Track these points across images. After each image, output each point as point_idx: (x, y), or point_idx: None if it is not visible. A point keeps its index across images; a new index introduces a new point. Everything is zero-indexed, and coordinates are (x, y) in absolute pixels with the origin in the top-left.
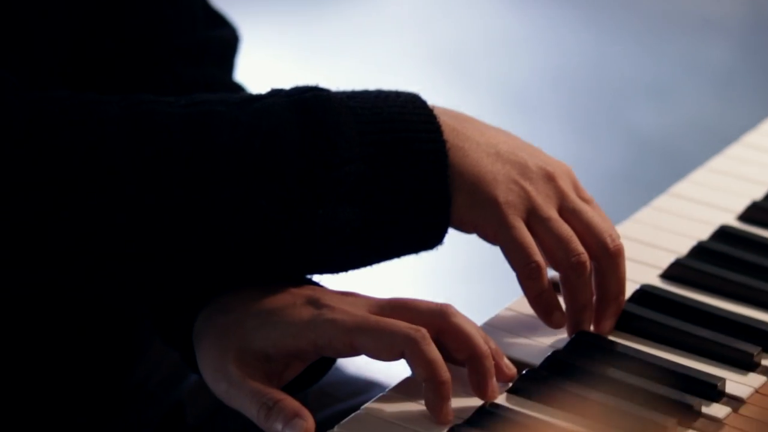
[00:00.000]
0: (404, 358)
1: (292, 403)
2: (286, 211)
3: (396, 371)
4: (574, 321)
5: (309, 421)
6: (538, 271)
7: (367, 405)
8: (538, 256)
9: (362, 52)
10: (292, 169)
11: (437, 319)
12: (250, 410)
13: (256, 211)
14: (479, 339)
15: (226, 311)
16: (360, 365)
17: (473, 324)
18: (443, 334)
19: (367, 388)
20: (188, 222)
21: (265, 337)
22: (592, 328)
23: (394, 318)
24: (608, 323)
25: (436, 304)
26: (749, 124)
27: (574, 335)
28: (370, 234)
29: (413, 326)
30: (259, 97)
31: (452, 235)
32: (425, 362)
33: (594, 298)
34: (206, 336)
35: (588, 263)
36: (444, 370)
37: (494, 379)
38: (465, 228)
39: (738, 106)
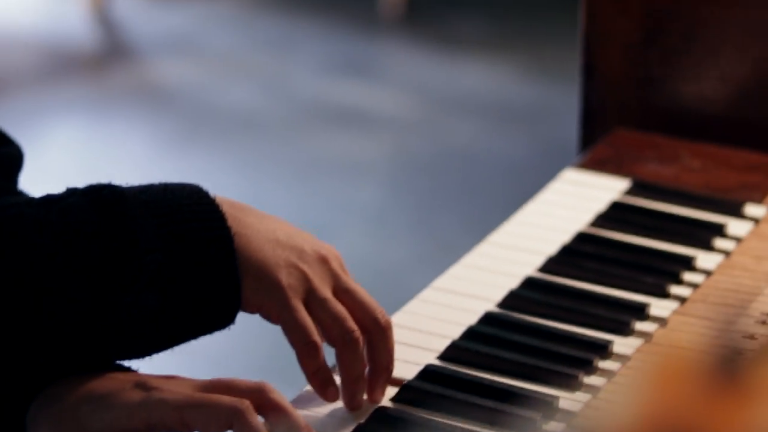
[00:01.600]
0: (231, 429)
1: None
2: (96, 301)
3: None
4: (349, 392)
5: None
6: (315, 349)
7: None
8: (316, 336)
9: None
10: (97, 263)
11: (256, 396)
12: None
13: (69, 303)
14: (296, 414)
15: (58, 399)
16: None
17: (287, 401)
18: (262, 410)
19: None
20: (10, 315)
21: (100, 419)
22: (365, 397)
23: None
24: (380, 393)
25: (254, 382)
26: (404, 257)
27: (374, 410)
28: (171, 319)
29: (238, 399)
30: (60, 198)
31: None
32: (251, 431)
33: (366, 370)
34: (42, 424)
35: (361, 339)
36: None
37: None
38: (250, 309)
39: (391, 242)
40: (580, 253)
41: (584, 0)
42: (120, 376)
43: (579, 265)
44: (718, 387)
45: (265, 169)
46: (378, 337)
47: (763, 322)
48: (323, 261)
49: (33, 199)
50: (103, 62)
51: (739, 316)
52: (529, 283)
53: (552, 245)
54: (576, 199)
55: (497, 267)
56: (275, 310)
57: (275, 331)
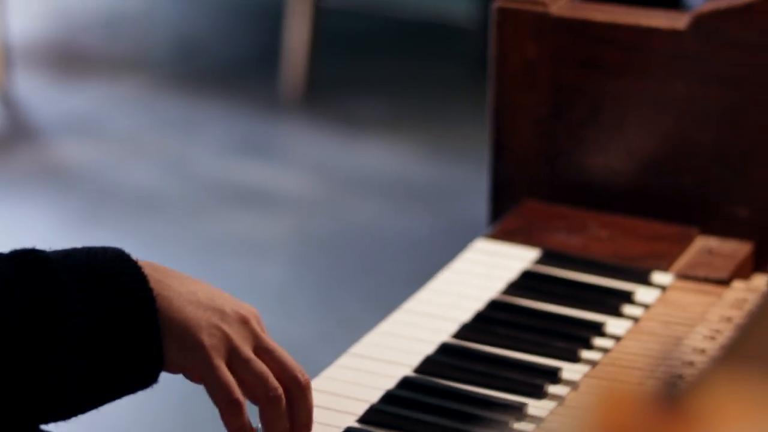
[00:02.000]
0: None
1: None
2: (21, 365)
3: None
4: None
5: None
6: (239, 407)
7: None
8: (239, 394)
9: None
10: (22, 327)
11: None
12: None
13: None
14: None
15: None
16: None
17: None
18: None
19: None
20: None
21: None
22: None
23: None
24: None
25: None
26: (306, 334)
27: None
28: (96, 381)
29: None
30: None
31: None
32: None
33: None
34: None
35: (283, 397)
36: None
37: None
38: (173, 369)
39: (293, 320)
40: (493, 320)
41: (493, 76)
42: None
43: (492, 332)
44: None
45: (168, 249)
46: (298, 395)
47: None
48: (244, 321)
49: None
50: (4, 144)
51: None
52: (444, 349)
53: (465, 312)
54: (487, 268)
55: (412, 334)
56: (198, 370)
57: None
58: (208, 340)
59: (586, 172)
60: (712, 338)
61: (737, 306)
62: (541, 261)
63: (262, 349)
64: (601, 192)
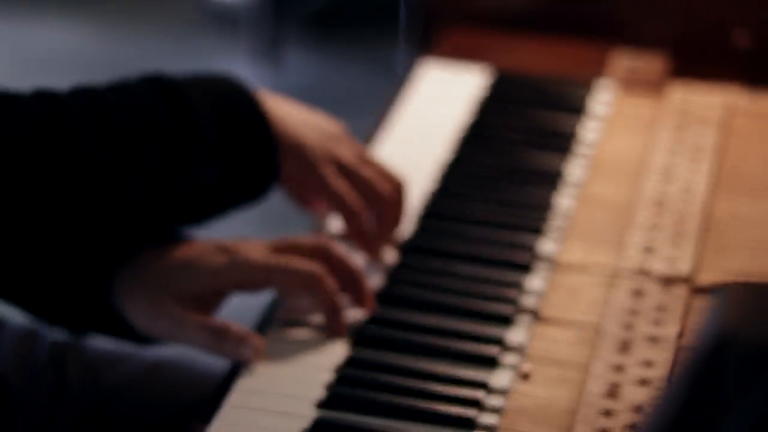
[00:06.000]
0: (309, 291)
1: (239, 326)
2: (169, 174)
3: None
4: (380, 247)
5: (259, 339)
6: (358, 211)
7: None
8: (356, 200)
9: None
10: (168, 141)
11: (322, 254)
12: (200, 339)
13: (147, 175)
14: (356, 266)
15: (145, 267)
16: None
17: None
18: (328, 262)
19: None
20: (97, 186)
21: (194, 281)
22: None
23: (288, 255)
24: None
25: (317, 241)
26: None
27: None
28: (225, 189)
29: (315, 265)
30: (129, 86)
31: None
32: (327, 294)
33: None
34: (133, 290)
35: (390, 198)
36: (339, 300)
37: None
38: (291, 184)
39: None
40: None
41: None
42: (200, 243)
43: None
44: None
45: None
46: (398, 197)
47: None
48: (344, 138)
49: (107, 85)
50: None
51: None
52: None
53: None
54: (446, 86)
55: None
56: (315, 183)
57: None
58: (320, 155)
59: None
60: (680, 134)
61: (685, 108)
62: (492, 78)
63: (362, 159)
64: (518, 15)
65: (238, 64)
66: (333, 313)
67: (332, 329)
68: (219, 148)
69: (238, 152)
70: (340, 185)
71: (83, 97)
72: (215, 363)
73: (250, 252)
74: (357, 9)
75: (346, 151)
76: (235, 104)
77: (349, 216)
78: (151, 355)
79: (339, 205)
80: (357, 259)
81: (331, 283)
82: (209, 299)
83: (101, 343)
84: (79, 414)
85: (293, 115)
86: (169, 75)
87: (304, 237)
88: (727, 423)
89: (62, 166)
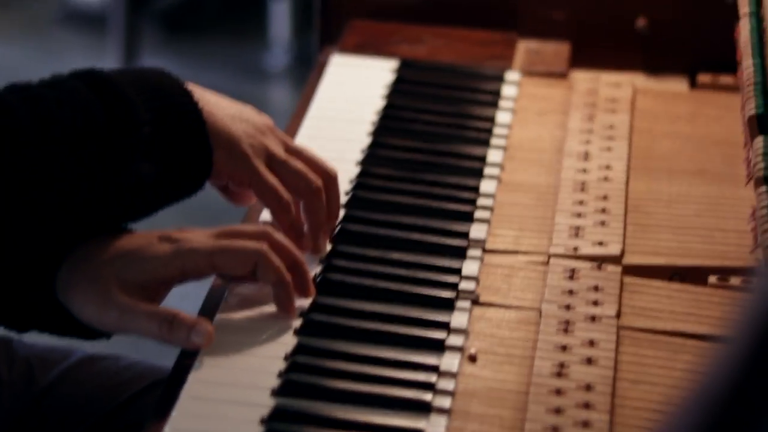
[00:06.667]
0: (256, 268)
1: (187, 315)
2: (106, 169)
3: None
4: (315, 237)
5: (208, 325)
6: (288, 205)
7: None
8: (286, 194)
9: None
10: (105, 136)
11: (264, 237)
12: (150, 328)
13: (86, 170)
14: (297, 251)
15: (89, 260)
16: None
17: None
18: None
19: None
20: (36, 182)
21: (139, 270)
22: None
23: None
24: (327, 239)
25: (258, 227)
26: None
27: None
28: (160, 184)
29: (259, 242)
30: (64, 80)
31: None
32: (275, 268)
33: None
34: (78, 282)
35: (322, 188)
36: (287, 274)
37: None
38: (221, 177)
39: None
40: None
41: None
42: (143, 233)
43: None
44: None
45: None
46: (330, 185)
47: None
48: (271, 130)
49: (42, 81)
50: None
51: None
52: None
53: (371, 114)
54: (357, 78)
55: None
56: (245, 175)
57: None
58: (250, 148)
59: None
60: (591, 119)
61: (592, 93)
62: (402, 69)
63: (291, 151)
64: (421, 7)
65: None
66: (283, 288)
67: (283, 306)
68: (155, 142)
69: (173, 146)
70: (272, 178)
71: (21, 93)
72: (148, 355)
73: (194, 239)
74: (218, 9)
75: (275, 143)
76: (169, 98)
77: (281, 208)
78: (83, 350)
79: (271, 197)
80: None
81: (276, 258)
82: (156, 289)
83: (34, 339)
84: (15, 413)
85: (223, 108)
86: (101, 70)
87: (246, 225)
88: None
89: (1, 162)
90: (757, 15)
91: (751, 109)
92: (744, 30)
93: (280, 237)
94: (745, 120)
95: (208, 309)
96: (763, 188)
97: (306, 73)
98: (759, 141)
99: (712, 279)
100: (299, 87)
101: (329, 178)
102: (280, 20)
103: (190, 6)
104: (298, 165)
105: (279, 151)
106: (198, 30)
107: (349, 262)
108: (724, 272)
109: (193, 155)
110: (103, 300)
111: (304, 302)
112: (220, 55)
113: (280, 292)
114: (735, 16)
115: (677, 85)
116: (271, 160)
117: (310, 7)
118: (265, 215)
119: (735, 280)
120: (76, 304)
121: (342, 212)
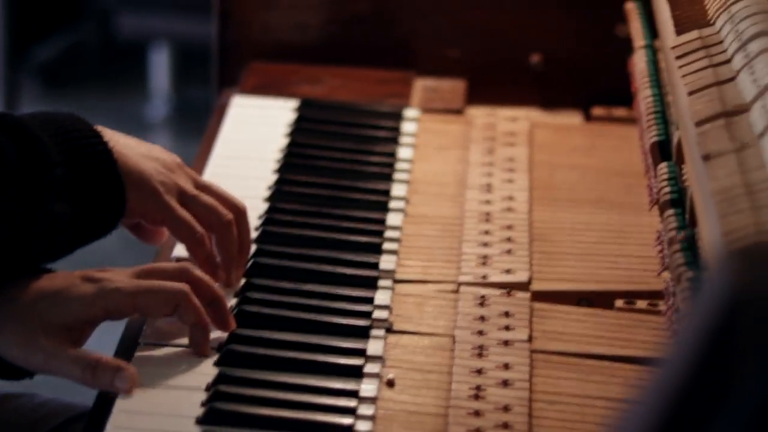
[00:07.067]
0: (177, 310)
1: (111, 358)
2: (22, 212)
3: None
4: (228, 271)
5: (132, 370)
6: (203, 239)
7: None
8: (200, 228)
9: None
10: (19, 178)
11: (183, 276)
12: (74, 372)
13: (2, 215)
14: (216, 286)
15: (12, 301)
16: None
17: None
18: (190, 286)
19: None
20: None
21: (61, 312)
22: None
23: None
24: (242, 270)
25: (178, 265)
26: None
27: None
28: (75, 225)
29: (180, 283)
30: None
31: None
32: (195, 310)
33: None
34: (4, 324)
35: (233, 221)
36: (206, 316)
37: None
38: (133, 216)
39: None
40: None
41: None
42: (65, 273)
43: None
44: None
45: None
46: (240, 220)
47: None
48: (179, 166)
49: None
50: None
51: None
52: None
53: (273, 153)
54: (260, 118)
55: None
56: (158, 213)
57: None
58: (161, 186)
59: (304, 31)
60: (490, 152)
61: (490, 128)
62: (302, 108)
63: (201, 186)
64: (317, 48)
65: None
66: (201, 330)
67: (199, 346)
68: (68, 183)
69: (86, 186)
70: (185, 213)
71: None
72: (63, 392)
73: (116, 279)
74: (97, 61)
75: (184, 180)
76: (80, 139)
77: (196, 243)
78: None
79: (185, 232)
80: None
81: (197, 301)
82: (80, 329)
83: None
84: None
85: (132, 147)
86: (12, 113)
87: (165, 263)
88: (741, 387)
89: None
90: (652, 47)
91: (653, 136)
92: (640, 62)
93: (199, 274)
94: (647, 147)
95: (127, 340)
96: (670, 211)
97: (186, 123)
98: (663, 167)
99: (619, 302)
100: (180, 136)
101: (239, 212)
102: (160, 71)
103: (69, 59)
104: (209, 200)
105: (189, 187)
106: (78, 82)
107: (264, 294)
108: (630, 296)
109: (106, 195)
110: (29, 343)
111: (222, 334)
112: (100, 108)
113: (197, 334)
114: (627, 50)
115: (572, 118)
116: (183, 196)
117: (189, 58)
118: (179, 250)
119: (641, 303)
120: (3, 345)
121: (254, 247)
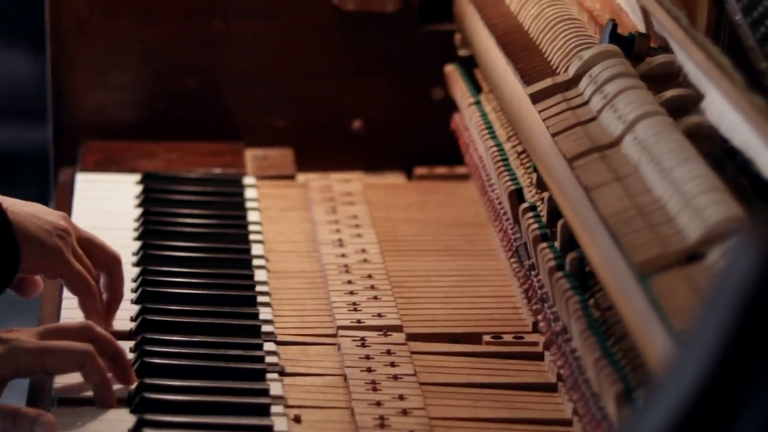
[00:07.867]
0: (82, 368)
1: (29, 409)
2: None
3: None
4: (111, 312)
5: (51, 417)
6: (97, 291)
7: None
8: (93, 281)
9: None
10: None
11: (87, 334)
12: None
13: None
14: (116, 342)
15: None
16: None
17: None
18: (93, 343)
19: None
20: None
21: None
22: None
23: (57, 339)
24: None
25: (80, 323)
26: None
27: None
28: None
29: (86, 344)
30: None
31: None
32: (100, 370)
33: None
34: None
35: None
36: (109, 375)
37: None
38: (33, 272)
39: None
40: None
41: (50, 30)
42: None
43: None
44: None
45: None
46: (117, 270)
47: None
48: (67, 220)
49: None
50: None
51: None
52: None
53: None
54: (108, 192)
55: None
56: (57, 267)
57: None
58: (59, 242)
59: (134, 109)
60: (333, 211)
61: (327, 189)
62: (146, 180)
63: (83, 239)
64: (151, 124)
65: None
66: (104, 386)
67: (103, 400)
68: None
69: None
70: (80, 267)
71: None
72: None
73: (24, 339)
74: None
75: (73, 236)
76: None
77: (91, 295)
78: None
79: (82, 286)
80: None
81: (101, 361)
82: None
83: None
84: None
85: (21, 206)
86: None
87: (69, 322)
88: None
89: None
90: (479, 103)
91: (509, 185)
92: (474, 117)
93: (101, 330)
94: (503, 196)
95: (35, 394)
96: (543, 245)
97: None
98: (527, 208)
99: (487, 338)
100: None
101: (116, 262)
102: None
103: None
104: (85, 259)
105: (75, 244)
106: None
107: (160, 347)
108: (494, 333)
109: (3, 255)
110: None
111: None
112: None
113: (101, 391)
114: (443, 111)
115: (396, 178)
116: (73, 250)
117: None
118: (66, 311)
119: (507, 337)
120: None
121: (136, 307)
